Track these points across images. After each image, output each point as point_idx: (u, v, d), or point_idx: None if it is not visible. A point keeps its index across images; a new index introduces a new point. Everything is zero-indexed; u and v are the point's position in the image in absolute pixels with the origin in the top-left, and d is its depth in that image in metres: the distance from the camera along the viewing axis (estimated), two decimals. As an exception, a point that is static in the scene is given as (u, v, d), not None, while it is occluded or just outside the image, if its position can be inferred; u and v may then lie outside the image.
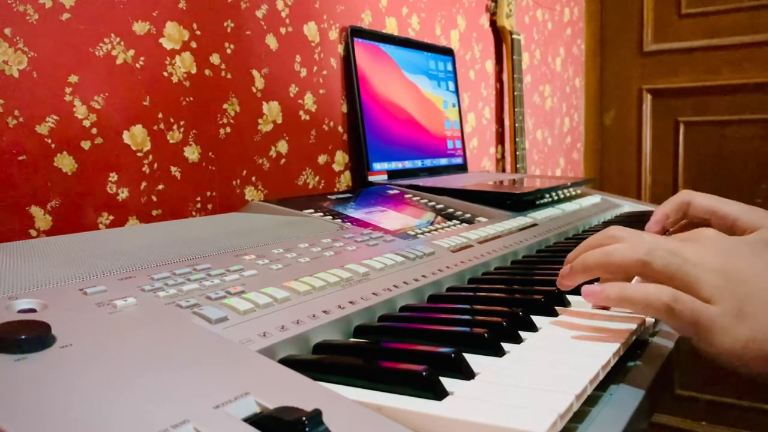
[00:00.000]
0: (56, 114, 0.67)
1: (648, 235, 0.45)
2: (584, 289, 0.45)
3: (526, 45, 1.84)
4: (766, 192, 2.06)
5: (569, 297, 0.52)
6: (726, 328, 0.39)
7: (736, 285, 0.40)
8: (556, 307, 0.49)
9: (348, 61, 1.08)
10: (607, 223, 1.03)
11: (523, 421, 0.29)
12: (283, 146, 0.97)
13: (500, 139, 1.70)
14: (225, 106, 0.87)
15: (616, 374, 0.41)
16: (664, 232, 0.71)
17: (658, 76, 2.25)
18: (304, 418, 0.26)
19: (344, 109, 1.09)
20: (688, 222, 0.71)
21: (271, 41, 0.94)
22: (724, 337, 0.39)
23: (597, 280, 0.48)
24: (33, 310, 0.37)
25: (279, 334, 0.39)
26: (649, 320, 0.48)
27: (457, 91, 1.35)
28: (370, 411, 0.29)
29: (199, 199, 0.84)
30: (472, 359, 0.37)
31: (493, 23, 1.63)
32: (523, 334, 0.43)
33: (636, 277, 0.47)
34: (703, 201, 0.70)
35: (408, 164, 1.15)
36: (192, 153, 0.83)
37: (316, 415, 0.26)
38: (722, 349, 0.39)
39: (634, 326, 0.45)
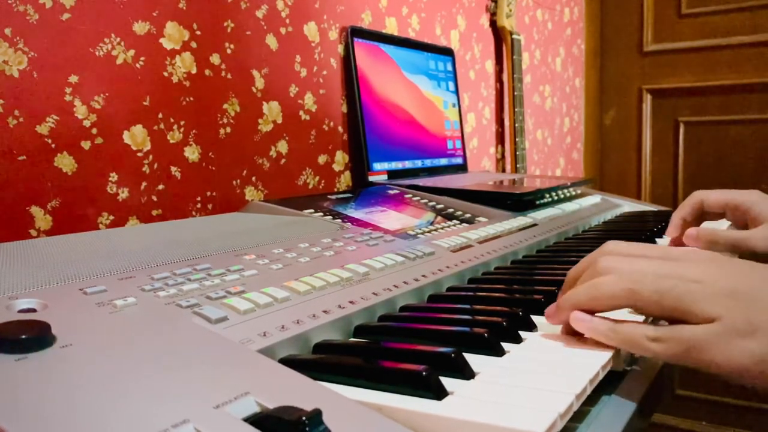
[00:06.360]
0: (56, 114, 0.67)
1: (641, 261, 0.42)
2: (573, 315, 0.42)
3: (526, 45, 1.84)
4: (766, 192, 2.05)
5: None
6: (728, 343, 0.36)
7: (743, 297, 0.38)
8: (556, 307, 0.49)
9: (348, 61, 1.08)
10: (607, 224, 1.03)
11: (523, 421, 0.29)
12: (283, 146, 0.97)
13: (500, 139, 1.70)
14: (225, 106, 0.87)
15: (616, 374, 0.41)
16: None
17: (658, 76, 2.25)
18: (304, 418, 0.26)
19: (344, 109, 1.09)
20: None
21: (271, 41, 0.94)
22: (727, 353, 0.36)
23: None
24: (33, 310, 0.37)
25: (279, 333, 0.39)
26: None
27: (457, 91, 1.35)
28: (371, 411, 0.29)
29: (199, 199, 0.84)
30: (472, 359, 0.37)
31: (493, 23, 1.63)
32: (523, 334, 0.43)
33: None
34: (716, 197, 0.72)
35: (408, 164, 1.15)
36: (192, 153, 0.83)
37: (316, 415, 0.26)
38: (728, 367, 0.37)
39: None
